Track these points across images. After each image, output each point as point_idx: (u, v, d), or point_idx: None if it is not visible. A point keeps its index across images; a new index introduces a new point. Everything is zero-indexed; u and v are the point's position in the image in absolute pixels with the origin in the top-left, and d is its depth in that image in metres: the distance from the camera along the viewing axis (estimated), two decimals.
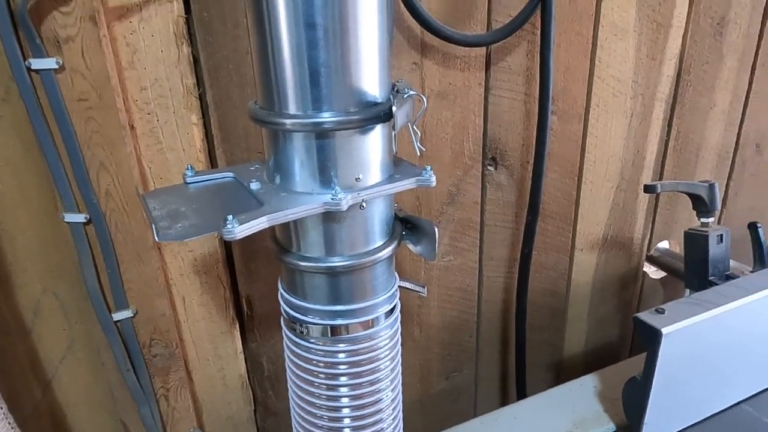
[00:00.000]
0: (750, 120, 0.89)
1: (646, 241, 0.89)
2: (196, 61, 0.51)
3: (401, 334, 0.73)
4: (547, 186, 0.76)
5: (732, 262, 0.86)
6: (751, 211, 0.98)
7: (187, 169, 0.42)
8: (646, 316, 0.54)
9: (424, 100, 0.38)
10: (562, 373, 0.90)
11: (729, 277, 0.65)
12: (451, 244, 0.73)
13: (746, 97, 0.87)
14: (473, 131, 0.68)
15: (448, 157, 0.68)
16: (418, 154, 0.41)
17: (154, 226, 0.34)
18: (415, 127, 0.39)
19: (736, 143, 0.90)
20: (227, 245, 0.59)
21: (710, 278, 0.64)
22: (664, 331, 0.52)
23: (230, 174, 0.43)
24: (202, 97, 0.53)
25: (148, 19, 0.47)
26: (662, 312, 0.54)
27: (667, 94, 0.80)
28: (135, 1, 0.46)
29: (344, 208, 0.37)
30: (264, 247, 0.59)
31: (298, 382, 0.48)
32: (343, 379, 0.46)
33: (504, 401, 0.89)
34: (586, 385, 0.69)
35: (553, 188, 0.77)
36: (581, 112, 0.74)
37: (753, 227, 0.80)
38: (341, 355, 0.46)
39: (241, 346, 0.65)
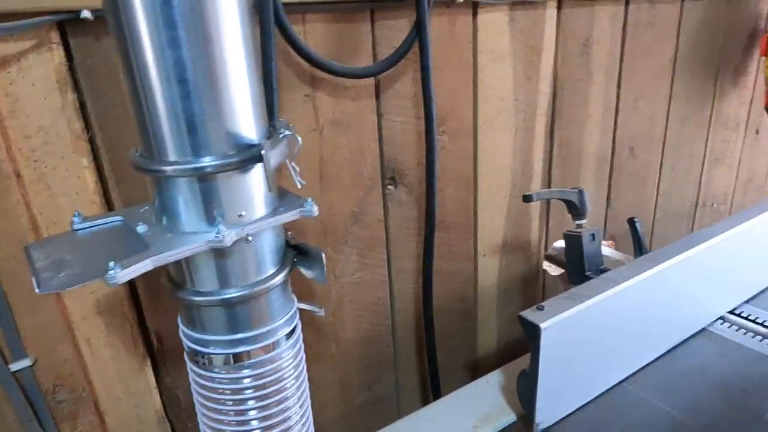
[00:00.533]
0: (621, 127, 1.00)
1: (543, 242, 0.98)
2: (83, 105, 0.52)
3: (319, 352, 0.76)
4: (446, 199, 0.82)
5: (618, 253, 0.96)
6: (633, 207, 1.10)
7: (75, 215, 0.43)
8: (528, 313, 0.60)
9: (299, 139, 0.42)
10: (478, 372, 0.96)
11: (603, 271, 0.74)
12: (359, 261, 0.76)
13: (616, 108, 0.98)
14: (370, 154, 0.72)
15: (349, 180, 0.71)
16: (299, 186, 0.44)
17: (34, 279, 0.35)
18: (293, 163, 0.43)
19: (613, 148, 1.01)
20: (131, 282, 0.60)
21: (587, 273, 0.72)
22: (542, 325, 0.58)
23: (119, 218, 0.44)
24: (92, 140, 0.54)
25: (28, 69, 0.48)
26: (542, 309, 0.61)
27: (546, 109, 0.88)
28: (11, 53, 0.47)
29: (228, 244, 0.39)
30: None
31: (207, 412, 0.50)
32: (251, 403, 0.48)
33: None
34: (492, 381, 0.75)
35: (452, 201, 0.83)
36: (470, 130, 0.81)
37: (631, 222, 0.90)
38: (246, 380, 0.48)
39: (154, 381, 0.65)
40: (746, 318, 0.85)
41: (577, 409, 0.67)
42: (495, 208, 0.88)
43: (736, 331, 0.82)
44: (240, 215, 0.41)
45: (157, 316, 0.62)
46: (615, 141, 1.00)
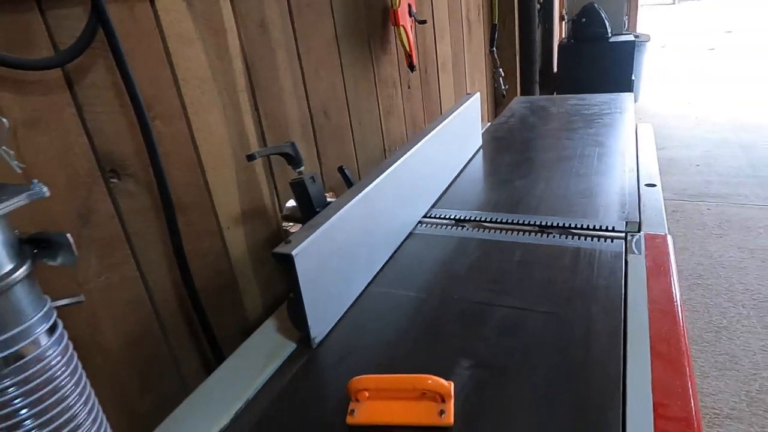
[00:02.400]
0: (312, 95, 1.17)
1: (277, 205, 1.09)
2: None
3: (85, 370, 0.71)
4: (176, 183, 0.84)
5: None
6: (339, 159, 1.30)
7: None
8: (279, 248, 0.70)
9: (5, 121, 0.40)
10: None
11: (327, 205, 0.89)
12: (101, 263, 0.73)
13: (303, 79, 1.14)
14: (81, 150, 0.69)
15: (64, 181, 0.68)
16: (18, 171, 0.43)
17: None
18: (5, 148, 0.41)
19: (310, 113, 1.18)
20: None
21: (317, 210, 0.85)
22: (293, 252, 0.68)
23: None
24: None
25: None
26: (289, 242, 0.71)
27: (245, 85, 0.98)
28: None
29: None
30: None
31: None
32: (25, 412, 0.45)
33: None
34: (266, 329, 0.82)
35: (182, 183, 0.85)
36: (180, 113, 0.84)
37: (340, 170, 1.08)
38: (12, 389, 0.45)
39: None
40: (435, 217, 1.14)
41: (342, 317, 0.81)
42: (225, 182, 0.94)
43: (432, 227, 1.09)
44: None
45: None
46: (310, 107, 1.17)
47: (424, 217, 1.15)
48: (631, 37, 3.39)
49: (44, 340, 0.47)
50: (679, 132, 3.88)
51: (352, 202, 0.83)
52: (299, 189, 0.86)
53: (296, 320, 0.74)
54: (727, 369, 1.58)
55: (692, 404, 0.59)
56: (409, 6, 1.45)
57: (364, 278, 0.89)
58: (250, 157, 0.80)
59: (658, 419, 0.58)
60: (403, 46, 1.44)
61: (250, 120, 0.99)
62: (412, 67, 1.51)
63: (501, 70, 2.13)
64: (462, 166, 1.42)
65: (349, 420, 0.62)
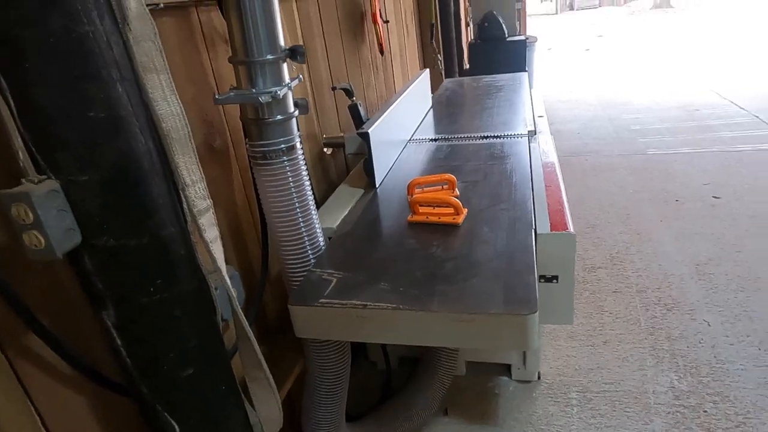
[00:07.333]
0: (332, 69, 1.82)
1: (320, 134, 1.72)
2: None
3: None
4: None
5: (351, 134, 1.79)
6: (343, 114, 1.95)
7: None
8: (360, 130, 1.35)
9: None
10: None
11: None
12: None
13: (327, 56, 1.79)
14: None
15: None
16: None
17: None
18: None
19: (331, 80, 1.82)
20: None
21: (363, 121, 1.51)
22: (369, 131, 1.34)
23: None
24: None
25: None
26: (364, 128, 1.37)
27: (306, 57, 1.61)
28: None
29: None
30: None
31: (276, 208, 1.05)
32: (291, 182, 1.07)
33: None
34: (347, 182, 1.46)
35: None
36: None
37: (354, 106, 1.74)
38: (287, 166, 1.07)
39: None
40: (417, 140, 1.83)
41: (387, 173, 1.48)
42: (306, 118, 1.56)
43: (416, 143, 1.79)
44: None
45: None
46: (332, 77, 1.82)
47: (409, 141, 1.84)
48: (523, 38, 4.32)
49: (299, 146, 1.09)
50: (563, 112, 4.91)
51: (382, 116, 1.50)
52: (354, 109, 1.51)
53: (368, 173, 1.40)
54: (598, 245, 2.42)
55: (566, 212, 1.33)
56: (379, 10, 2.14)
57: (395, 153, 1.56)
58: (333, 89, 1.44)
59: (551, 217, 1.31)
60: (377, 37, 2.13)
61: (307, 81, 1.62)
62: (382, 51, 2.19)
63: (440, 55, 2.89)
64: (423, 116, 2.13)
65: (409, 219, 1.27)
